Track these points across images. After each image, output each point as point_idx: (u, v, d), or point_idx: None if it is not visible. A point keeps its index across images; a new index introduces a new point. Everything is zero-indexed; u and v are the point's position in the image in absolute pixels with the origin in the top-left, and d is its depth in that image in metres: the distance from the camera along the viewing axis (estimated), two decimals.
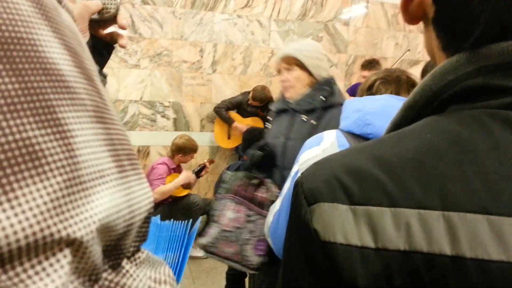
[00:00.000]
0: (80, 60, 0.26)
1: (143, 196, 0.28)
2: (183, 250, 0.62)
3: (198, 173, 3.45)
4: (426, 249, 0.32)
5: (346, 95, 3.92)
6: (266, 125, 4.11)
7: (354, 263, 0.34)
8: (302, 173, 0.40)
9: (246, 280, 2.57)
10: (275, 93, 4.13)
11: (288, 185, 1.16)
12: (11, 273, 0.19)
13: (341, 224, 0.35)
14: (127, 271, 0.27)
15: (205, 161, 3.56)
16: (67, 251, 0.22)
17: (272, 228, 1.20)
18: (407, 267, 0.33)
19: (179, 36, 4.03)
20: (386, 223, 0.34)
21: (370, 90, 1.12)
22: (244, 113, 4.02)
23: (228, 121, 3.95)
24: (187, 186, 3.41)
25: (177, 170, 3.42)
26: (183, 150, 3.34)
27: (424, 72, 1.19)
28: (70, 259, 0.22)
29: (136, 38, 3.90)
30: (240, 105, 4.01)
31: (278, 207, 1.19)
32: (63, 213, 0.21)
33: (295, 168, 1.13)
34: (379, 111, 0.99)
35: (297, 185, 0.40)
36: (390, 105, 0.99)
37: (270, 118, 1.79)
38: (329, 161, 0.40)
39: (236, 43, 4.20)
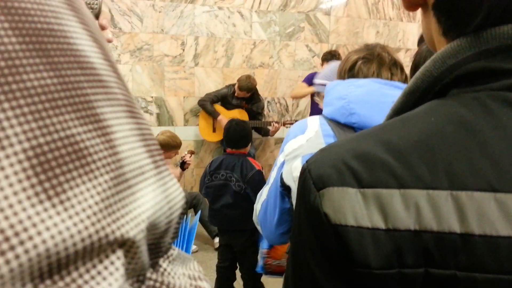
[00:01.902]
0: (106, 53, 0.25)
1: (177, 191, 0.27)
2: (185, 245, 0.61)
3: (182, 167, 3.42)
4: (436, 228, 0.33)
5: (303, 85, 3.89)
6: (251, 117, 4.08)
7: (366, 244, 0.35)
8: (308, 160, 0.41)
9: (237, 272, 2.59)
10: (259, 84, 4.12)
11: (274, 175, 1.15)
12: (67, 279, 0.19)
13: (351, 207, 0.35)
14: (165, 269, 0.27)
15: (185, 153, 3.50)
16: (120, 253, 0.21)
17: (261, 217, 1.20)
18: (418, 246, 0.34)
19: (159, 30, 3.97)
20: (395, 205, 0.34)
21: (352, 71, 1.08)
22: (229, 106, 4.01)
23: (214, 114, 3.93)
24: None
25: None
26: (165, 147, 3.28)
27: (415, 66, 1.16)
28: (123, 260, 0.21)
29: (116, 33, 3.84)
30: (225, 98, 3.99)
31: (265, 197, 1.19)
32: (114, 212, 0.21)
33: (280, 159, 1.12)
34: (364, 100, 0.98)
35: (304, 171, 0.40)
36: (374, 92, 0.98)
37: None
38: (335, 147, 0.40)
39: (217, 35, 4.17)
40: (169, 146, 3.27)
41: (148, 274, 0.25)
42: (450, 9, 0.39)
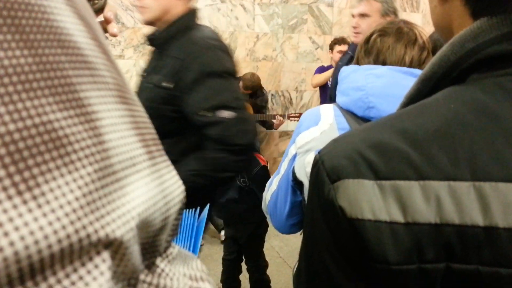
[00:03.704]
0: (94, 32, 0.22)
1: (175, 185, 0.24)
2: (193, 239, 0.60)
3: None
4: (458, 221, 0.32)
5: (318, 74, 3.85)
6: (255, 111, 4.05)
7: (384, 239, 0.33)
8: (320, 151, 0.39)
9: (243, 264, 2.59)
10: (263, 78, 4.10)
11: (285, 166, 1.11)
12: (43, 286, 0.16)
13: (368, 200, 0.34)
14: (163, 270, 0.24)
15: None
16: (105, 254, 0.19)
17: (271, 207, 1.18)
18: (439, 240, 0.32)
19: None
20: (415, 197, 0.33)
21: (367, 44, 1.02)
22: None
23: None
24: None
25: None
26: None
27: (433, 51, 1.11)
28: (109, 263, 0.19)
29: (119, 28, 3.81)
30: None
31: (276, 188, 1.16)
32: (98, 209, 0.18)
33: (292, 150, 1.08)
34: (383, 93, 0.91)
35: (317, 163, 0.39)
36: (395, 84, 0.91)
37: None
38: (349, 137, 0.39)
39: (220, 28, 4.14)
40: None
41: (142, 277, 0.23)
42: None
